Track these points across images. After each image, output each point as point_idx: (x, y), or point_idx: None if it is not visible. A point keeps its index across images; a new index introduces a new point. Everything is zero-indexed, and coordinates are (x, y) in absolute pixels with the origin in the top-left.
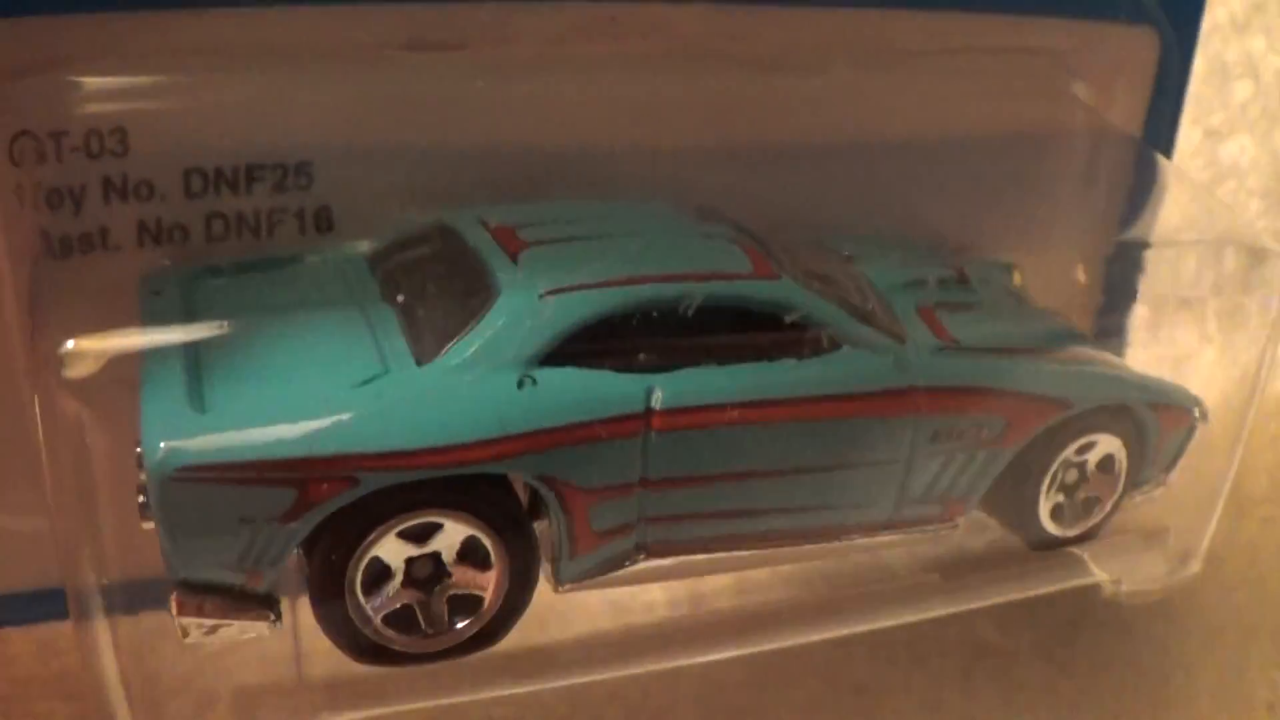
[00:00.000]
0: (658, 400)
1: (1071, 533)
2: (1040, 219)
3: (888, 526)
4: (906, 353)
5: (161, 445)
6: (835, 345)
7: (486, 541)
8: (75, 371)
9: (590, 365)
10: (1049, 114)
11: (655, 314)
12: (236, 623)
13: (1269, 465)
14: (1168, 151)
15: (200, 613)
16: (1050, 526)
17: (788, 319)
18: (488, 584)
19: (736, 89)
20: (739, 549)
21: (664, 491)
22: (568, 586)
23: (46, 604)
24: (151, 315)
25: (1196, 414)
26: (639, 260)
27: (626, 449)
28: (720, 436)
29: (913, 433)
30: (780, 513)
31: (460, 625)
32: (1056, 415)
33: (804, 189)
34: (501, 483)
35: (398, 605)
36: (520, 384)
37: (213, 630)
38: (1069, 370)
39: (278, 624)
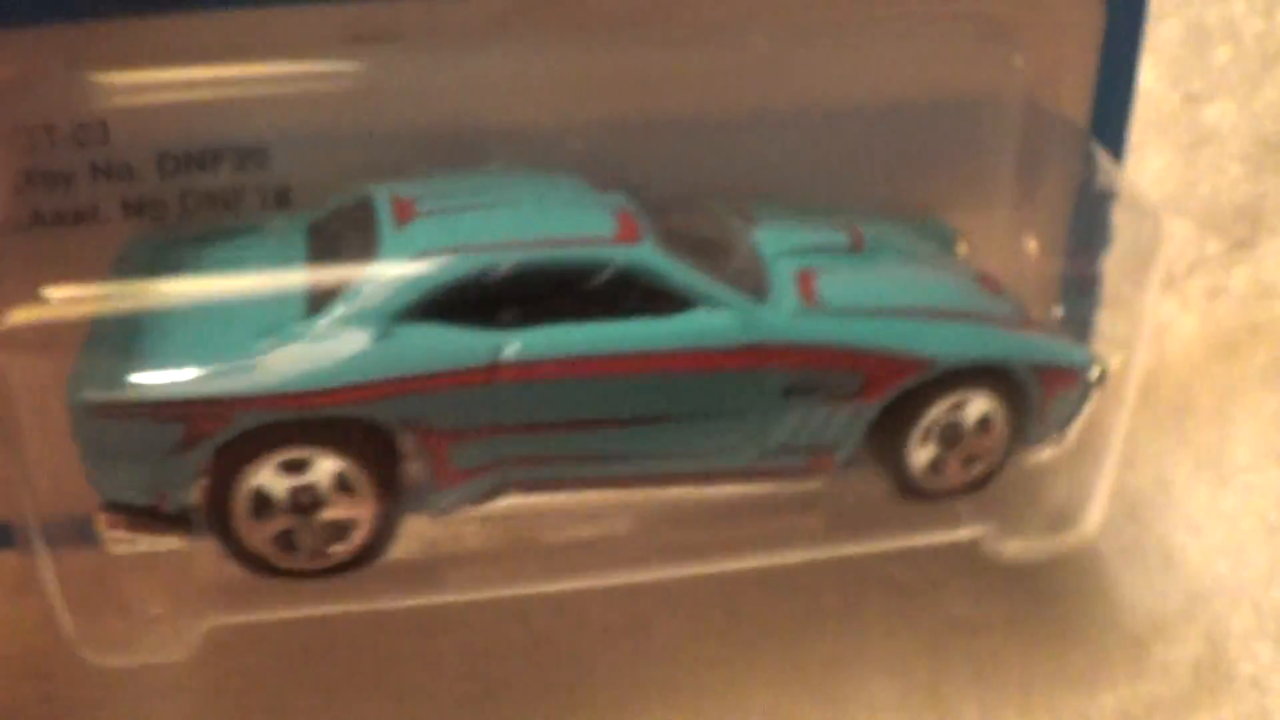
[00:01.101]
0: (504, 355)
1: (949, 487)
2: (979, 186)
3: (751, 474)
4: (760, 312)
5: (75, 385)
6: (687, 305)
7: (357, 475)
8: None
9: (451, 322)
10: (985, 81)
11: (516, 276)
12: (151, 537)
13: (1250, 435)
14: (1121, 122)
15: (121, 527)
16: (926, 479)
17: (644, 281)
18: (359, 513)
19: (664, 61)
20: (602, 490)
21: (519, 436)
22: (444, 516)
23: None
24: (117, 274)
25: (1090, 375)
26: (511, 228)
27: (475, 397)
28: (564, 388)
29: (763, 388)
30: (638, 458)
31: (335, 549)
32: (917, 373)
33: (734, 160)
34: (369, 423)
35: (279, 529)
36: (380, 338)
37: (132, 543)
38: (936, 329)
39: (190, 540)
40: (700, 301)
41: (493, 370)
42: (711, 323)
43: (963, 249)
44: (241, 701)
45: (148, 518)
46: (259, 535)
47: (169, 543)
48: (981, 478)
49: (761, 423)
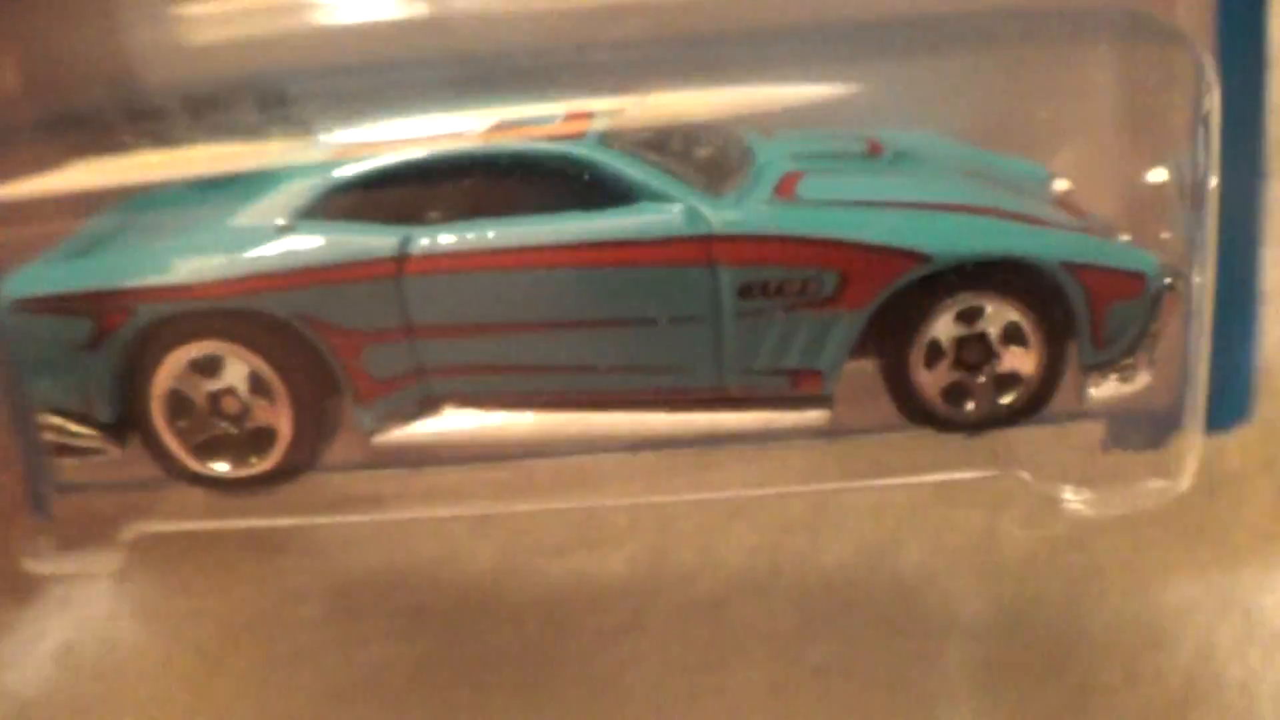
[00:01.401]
0: (413, 247)
1: (979, 415)
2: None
3: (725, 399)
4: (715, 205)
5: (4, 286)
6: (629, 199)
7: (271, 377)
8: None
9: (368, 219)
10: None
11: (443, 172)
12: (88, 445)
13: None
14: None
15: (59, 434)
16: (946, 406)
17: (583, 175)
18: (277, 421)
19: None
20: (547, 408)
21: (438, 340)
22: (375, 437)
23: None
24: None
25: (1153, 280)
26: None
27: (382, 293)
28: (479, 283)
29: (711, 285)
30: (580, 371)
31: (259, 458)
32: (908, 269)
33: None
34: (274, 320)
35: (200, 435)
36: (281, 231)
37: (71, 451)
38: (933, 220)
39: (122, 447)
40: (645, 196)
41: (401, 263)
42: (650, 215)
43: (1058, 186)
44: None
45: (85, 426)
46: (178, 440)
47: (107, 450)
48: (1023, 406)
49: (717, 330)
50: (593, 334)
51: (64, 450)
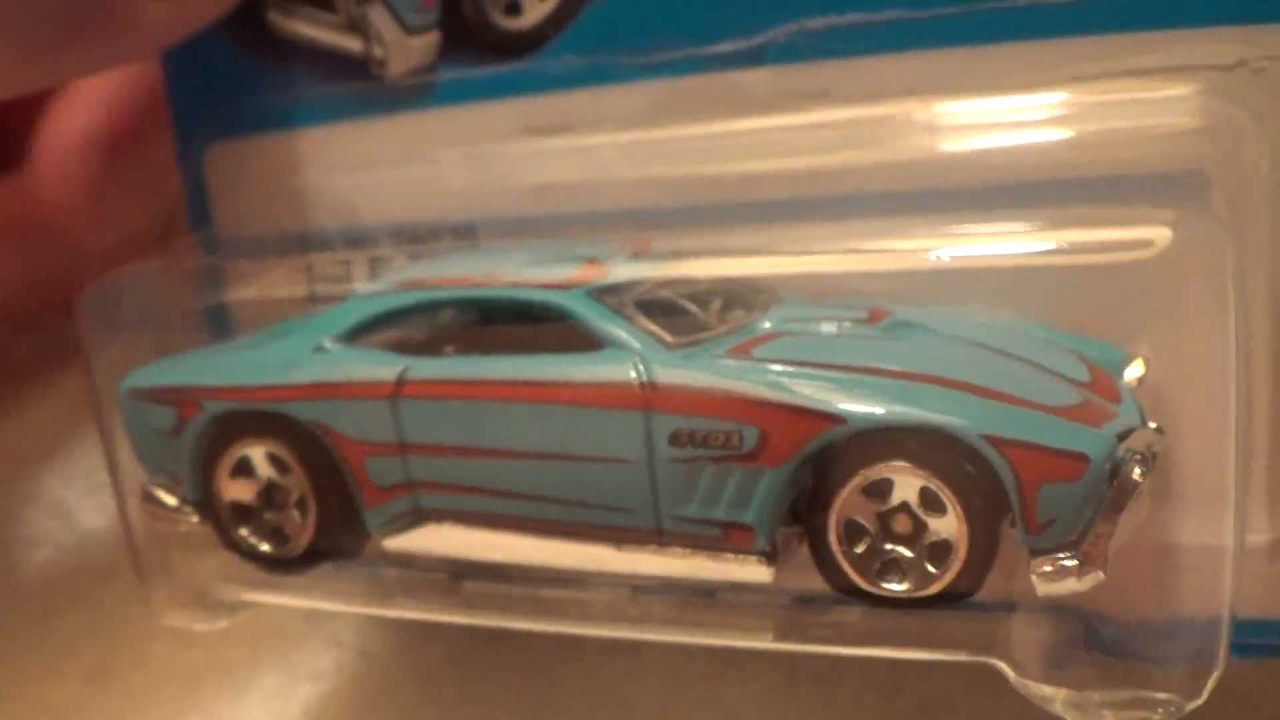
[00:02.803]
0: (411, 374)
1: (906, 590)
2: None
3: (662, 541)
4: (664, 356)
5: (125, 379)
6: (598, 346)
7: (295, 472)
8: None
9: (388, 348)
10: None
11: (452, 311)
12: (173, 517)
13: None
14: None
15: (152, 503)
16: (866, 577)
17: (564, 322)
18: (300, 518)
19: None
20: (514, 531)
21: (423, 457)
22: (382, 540)
23: None
24: None
25: (1098, 463)
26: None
27: (383, 412)
28: (460, 410)
29: (646, 430)
30: (540, 500)
31: (280, 539)
32: (822, 430)
33: None
34: (295, 421)
35: (252, 521)
36: (314, 351)
37: (162, 519)
38: (859, 384)
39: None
40: (609, 345)
41: (399, 387)
42: (607, 360)
43: (1137, 369)
44: None
45: (171, 501)
46: (234, 529)
47: (188, 523)
48: (957, 581)
49: (651, 472)
50: (546, 466)
51: (159, 518)
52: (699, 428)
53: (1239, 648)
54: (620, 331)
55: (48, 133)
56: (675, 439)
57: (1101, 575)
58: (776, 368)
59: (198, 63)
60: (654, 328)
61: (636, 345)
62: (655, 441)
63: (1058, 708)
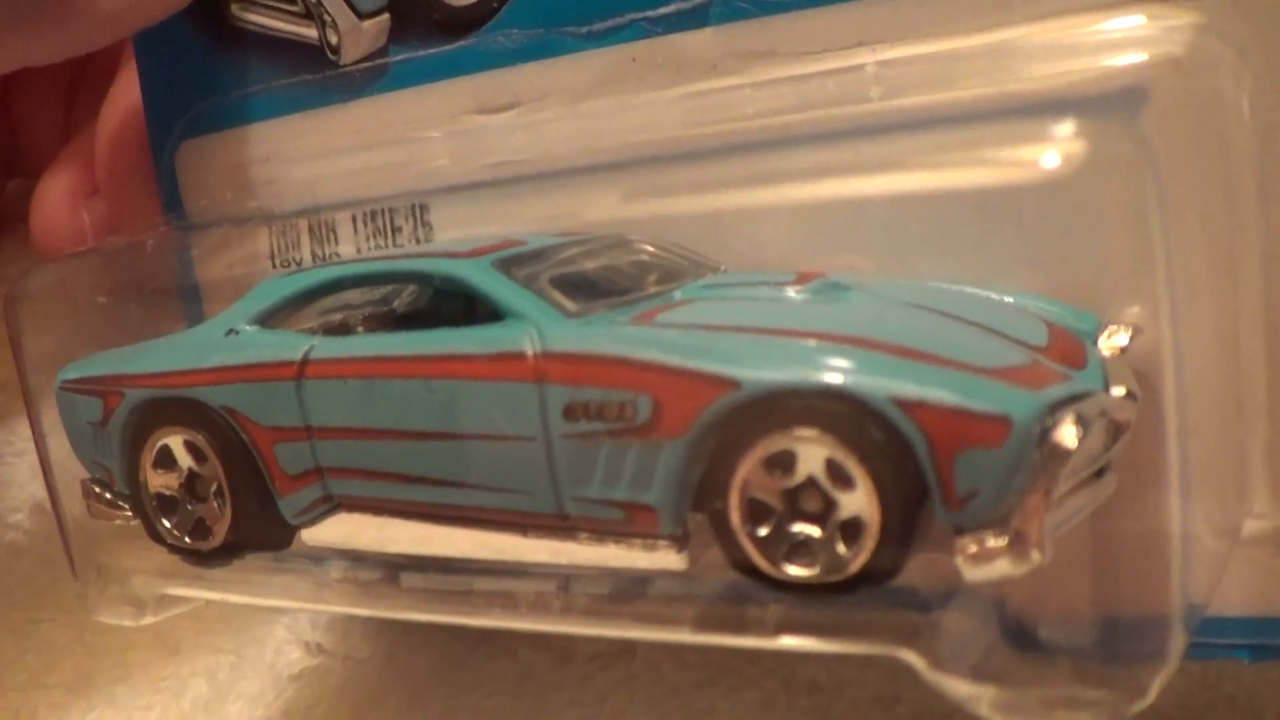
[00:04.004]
0: (313, 353)
1: (810, 575)
2: None
3: (564, 526)
4: (561, 325)
5: (61, 371)
6: (498, 317)
7: (211, 460)
8: None
9: (303, 330)
10: None
11: (368, 291)
12: (110, 512)
13: None
14: None
15: (90, 498)
16: (769, 559)
17: (464, 294)
18: (214, 513)
19: None
20: (421, 519)
21: (329, 441)
22: (298, 529)
23: None
24: None
25: (1024, 427)
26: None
27: (286, 393)
28: (360, 390)
29: (541, 404)
30: (441, 484)
31: (203, 540)
32: (717, 396)
33: None
34: (206, 406)
35: (175, 514)
36: (226, 334)
37: (101, 515)
38: (758, 346)
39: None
40: (510, 315)
41: (303, 368)
42: (502, 331)
43: (1121, 338)
44: None
45: (108, 497)
46: (158, 521)
47: (123, 517)
48: (872, 563)
49: (548, 451)
50: (445, 447)
51: (98, 514)
52: (592, 399)
53: (1245, 649)
54: (519, 301)
55: None
56: (569, 412)
57: (1038, 557)
58: (673, 332)
59: (170, 65)
60: (558, 297)
61: (534, 314)
62: (550, 416)
63: (983, 709)
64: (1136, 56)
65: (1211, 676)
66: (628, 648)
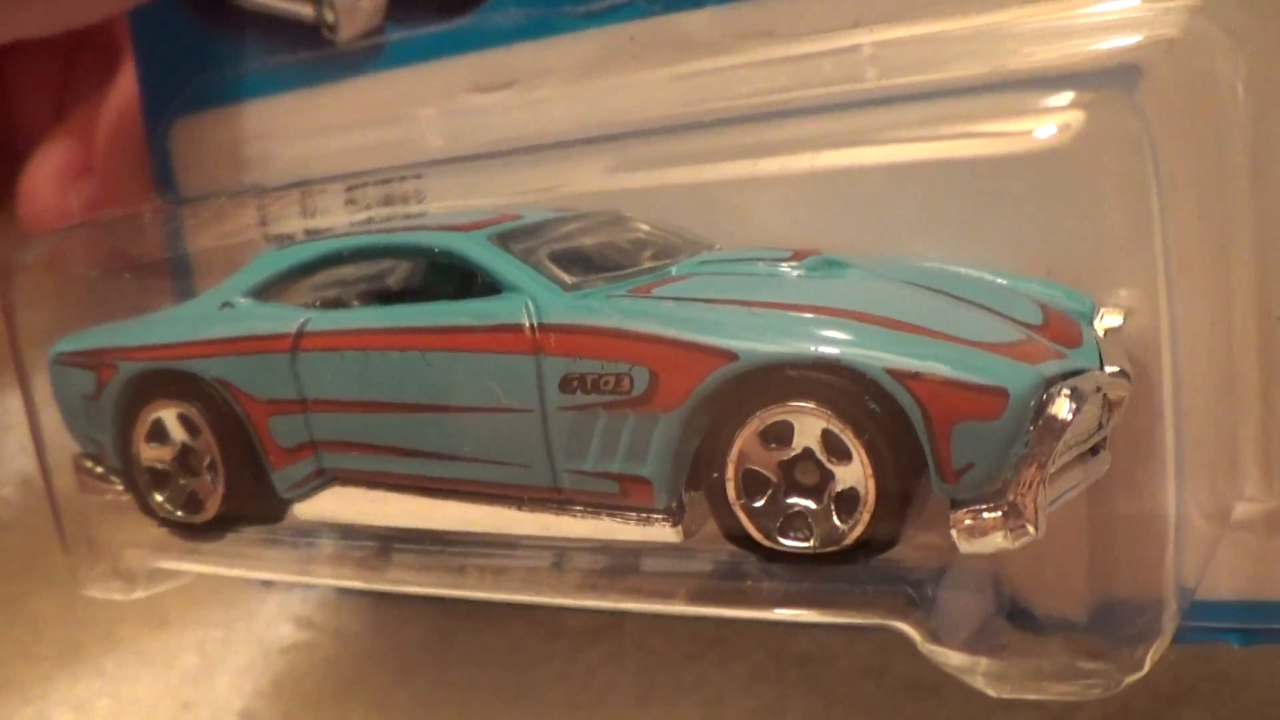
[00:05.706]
0: (309, 326)
1: (821, 544)
2: None
3: (559, 498)
4: (558, 298)
5: (54, 345)
6: (495, 290)
7: (204, 433)
8: None
9: (299, 303)
10: None
11: (364, 264)
12: (101, 486)
13: None
14: None
15: (82, 473)
16: (765, 529)
17: (460, 267)
18: (207, 486)
19: None
20: (416, 492)
21: (323, 414)
22: (291, 503)
23: None
24: None
25: (1021, 399)
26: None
27: (281, 365)
28: (356, 362)
29: (537, 376)
30: (438, 459)
31: (193, 504)
32: (715, 368)
33: None
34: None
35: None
36: (221, 307)
37: (92, 490)
38: (753, 319)
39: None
40: (507, 288)
41: (298, 340)
42: (500, 303)
43: (1115, 319)
44: None
45: (100, 470)
46: (150, 495)
47: (114, 490)
48: (869, 534)
49: (544, 423)
50: (441, 419)
51: (89, 488)
52: (589, 371)
53: (1236, 633)
54: (517, 274)
55: None
56: (565, 384)
57: (1033, 531)
58: (670, 305)
59: (165, 42)
60: (555, 270)
61: (532, 287)
62: (546, 388)
63: (978, 680)
64: (1131, 38)
65: (1204, 652)
66: (615, 622)
